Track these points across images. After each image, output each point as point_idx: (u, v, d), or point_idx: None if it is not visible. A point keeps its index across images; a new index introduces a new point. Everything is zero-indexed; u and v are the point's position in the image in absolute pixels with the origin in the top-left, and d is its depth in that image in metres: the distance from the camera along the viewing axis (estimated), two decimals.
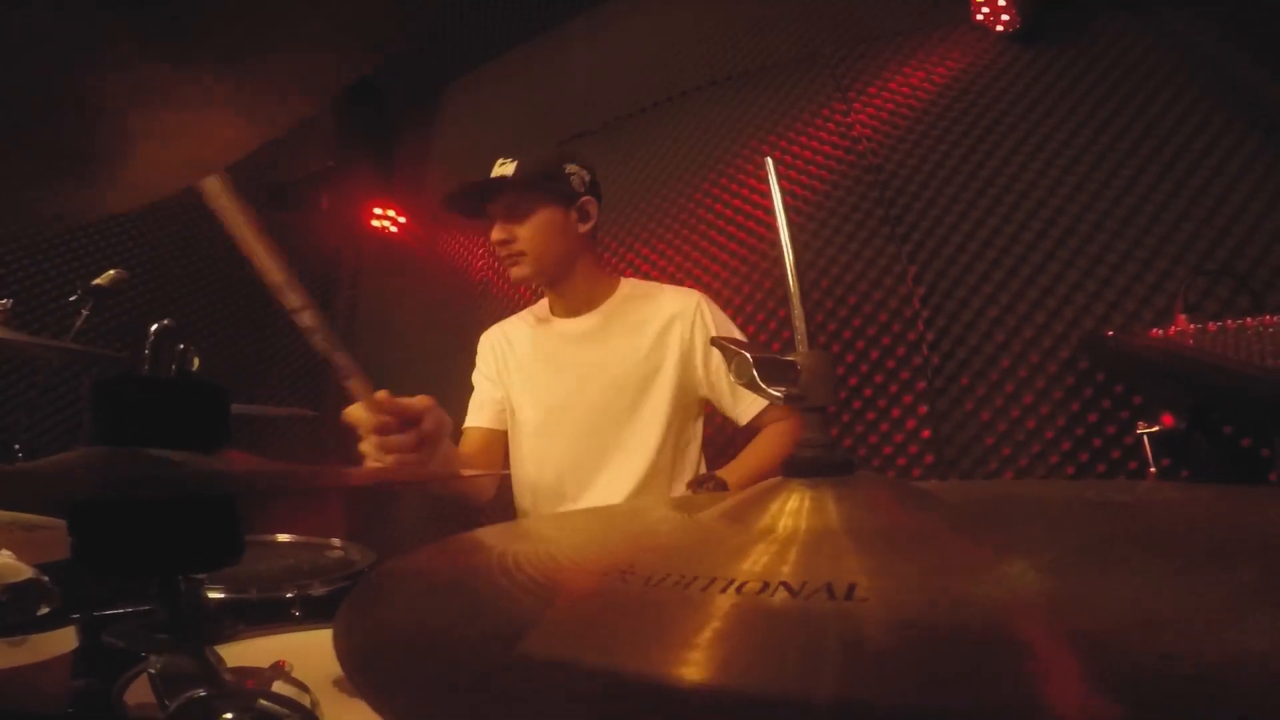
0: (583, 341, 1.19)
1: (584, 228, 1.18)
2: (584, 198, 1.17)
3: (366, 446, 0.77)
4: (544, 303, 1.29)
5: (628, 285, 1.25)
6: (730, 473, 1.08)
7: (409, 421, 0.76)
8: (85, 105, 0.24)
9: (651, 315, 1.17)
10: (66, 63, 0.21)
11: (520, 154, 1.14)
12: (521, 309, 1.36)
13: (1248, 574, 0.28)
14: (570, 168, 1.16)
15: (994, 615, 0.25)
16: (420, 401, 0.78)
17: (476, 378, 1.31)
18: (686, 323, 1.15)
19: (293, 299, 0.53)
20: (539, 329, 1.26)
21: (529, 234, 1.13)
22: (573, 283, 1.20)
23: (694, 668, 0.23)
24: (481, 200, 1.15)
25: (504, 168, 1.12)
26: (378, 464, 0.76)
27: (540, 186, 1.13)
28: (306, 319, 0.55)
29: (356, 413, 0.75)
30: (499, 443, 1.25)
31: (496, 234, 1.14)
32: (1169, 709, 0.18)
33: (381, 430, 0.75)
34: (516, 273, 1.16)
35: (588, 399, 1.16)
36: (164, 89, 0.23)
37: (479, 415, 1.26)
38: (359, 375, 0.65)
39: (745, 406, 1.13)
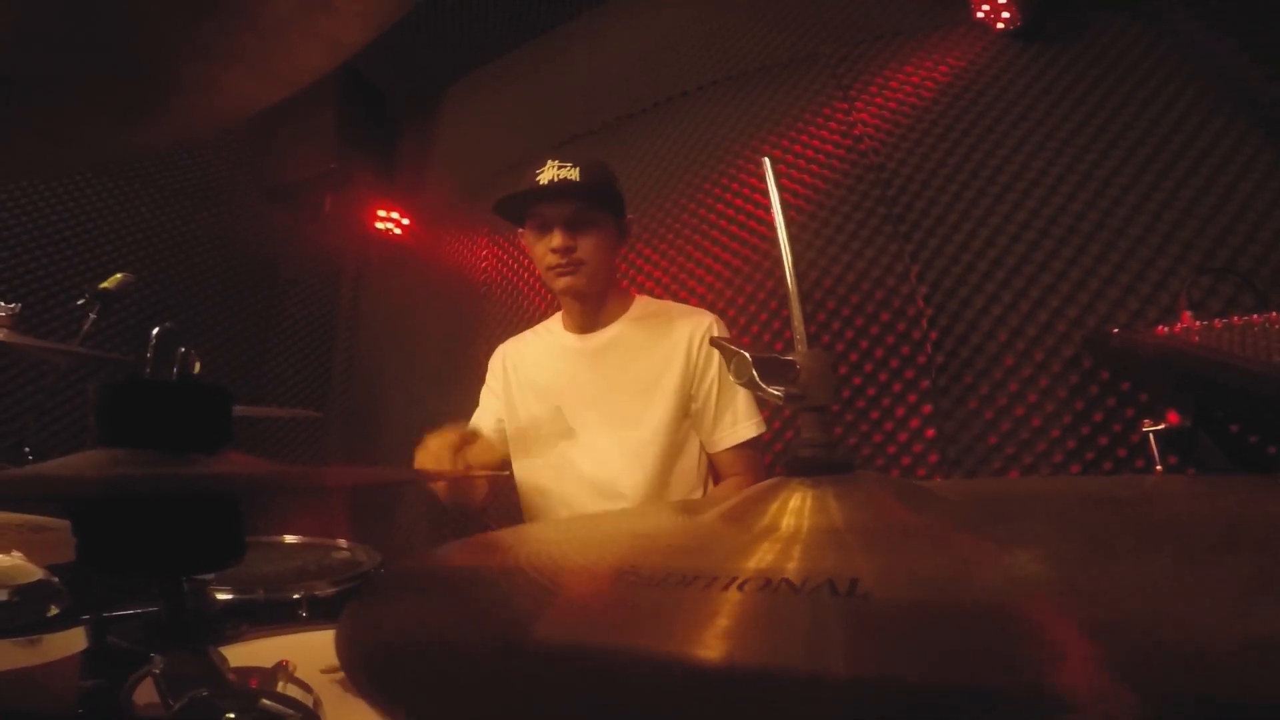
0: (595, 358, 1.19)
1: (622, 245, 1.20)
2: (627, 216, 1.19)
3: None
4: (557, 318, 1.29)
5: (642, 303, 1.24)
6: None
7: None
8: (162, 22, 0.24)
9: (664, 335, 1.17)
10: None
11: (577, 157, 1.10)
12: (522, 310, 1.36)
13: (1253, 564, 0.28)
14: (617, 184, 1.17)
15: (1000, 601, 0.25)
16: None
17: (484, 393, 1.33)
18: (696, 342, 1.15)
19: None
20: (552, 345, 1.26)
21: (592, 245, 1.11)
22: (598, 298, 1.20)
23: (698, 663, 0.24)
24: (536, 202, 1.11)
25: (566, 171, 1.08)
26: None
27: (607, 198, 1.12)
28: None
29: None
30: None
31: (560, 240, 1.09)
32: (1178, 693, 0.18)
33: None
34: (567, 283, 1.13)
35: (605, 406, 1.16)
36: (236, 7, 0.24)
37: (484, 427, 1.28)
38: None
39: (720, 436, 1.14)
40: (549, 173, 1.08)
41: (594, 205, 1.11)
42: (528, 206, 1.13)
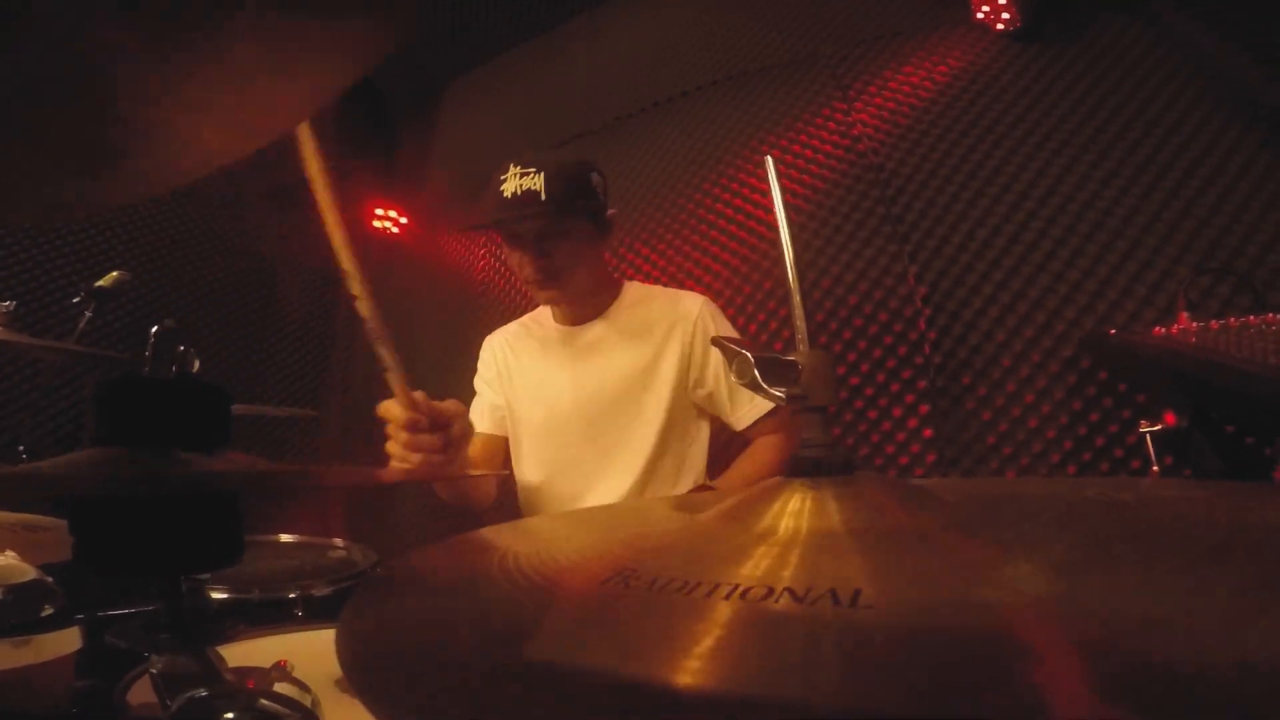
0: (588, 349, 1.19)
1: (607, 240, 1.16)
2: (609, 210, 1.13)
3: (393, 446, 0.78)
4: (545, 309, 1.27)
5: (631, 289, 1.24)
6: (724, 483, 1.09)
7: (439, 425, 0.77)
8: (114, 88, 0.24)
9: (656, 320, 1.16)
10: (79, 54, 0.21)
11: (540, 161, 1.03)
12: (521, 309, 1.35)
13: (1251, 574, 0.28)
14: (594, 178, 1.09)
15: (998, 619, 0.25)
16: (451, 406, 0.80)
17: (478, 383, 1.31)
18: (689, 327, 1.14)
19: (354, 286, 0.63)
20: (542, 335, 1.25)
21: (567, 256, 1.07)
22: (585, 295, 1.17)
23: (696, 674, 0.23)
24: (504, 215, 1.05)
25: (529, 179, 1.01)
26: (402, 463, 0.77)
27: (577, 207, 1.05)
28: (362, 308, 0.63)
29: (391, 409, 0.76)
30: (500, 448, 1.25)
31: (531, 259, 1.06)
32: (1172, 714, 0.18)
33: (412, 428, 0.75)
34: (548, 295, 1.12)
35: (591, 404, 1.16)
36: (191, 65, 0.23)
37: (480, 421, 1.25)
38: (399, 371, 0.68)
39: (743, 413, 1.12)
40: (512, 182, 1.02)
41: (563, 215, 1.04)
42: (496, 218, 1.06)
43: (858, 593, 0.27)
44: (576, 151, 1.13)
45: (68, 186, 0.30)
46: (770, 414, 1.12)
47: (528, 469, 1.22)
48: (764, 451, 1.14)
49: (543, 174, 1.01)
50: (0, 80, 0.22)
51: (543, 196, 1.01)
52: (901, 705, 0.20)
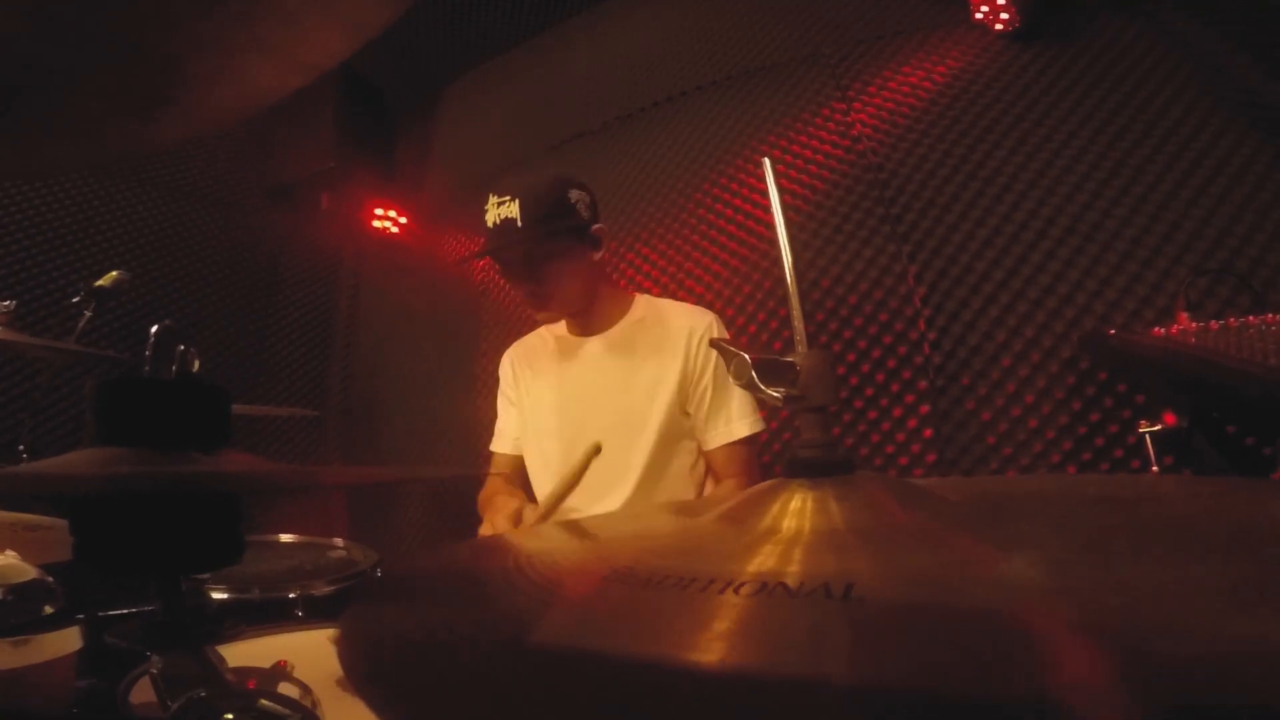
0: (598, 361, 1.20)
1: (598, 255, 1.17)
2: (594, 226, 1.15)
3: (490, 529, 1.04)
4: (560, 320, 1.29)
5: (642, 303, 1.24)
6: None
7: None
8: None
9: (662, 335, 1.17)
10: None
11: (515, 187, 1.06)
12: (519, 308, 1.36)
13: (1249, 567, 0.28)
14: (573, 195, 1.11)
15: (998, 607, 0.26)
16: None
17: (501, 402, 1.34)
18: (693, 342, 1.15)
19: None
20: (552, 347, 1.27)
21: (552, 279, 1.11)
22: (590, 307, 1.20)
23: (712, 654, 0.23)
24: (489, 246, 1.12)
25: (505, 208, 1.05)
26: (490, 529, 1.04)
27: (553, 229, 1.07)
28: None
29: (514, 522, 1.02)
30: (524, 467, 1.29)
31: (521, 283, 1.12)
32: (1170, 699, 0.18)
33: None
34: (545, 316, 1.16)
35: (592, 416, 1.17)
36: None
37: (505, 442, 1.30)
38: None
39: (711, 435, 1.14)
40: (491, 212, 1.07)
41: (542, 238, 1.07)
42: (482, 250, 1.13)
43: (856, 586, 0.27)
44: (554, 170, 1.16)
45: (121, 126, 0.30)
46: (737, 445, 1.13)
47: (535, 479, 1.24)
48: (723, 494, 1.15)
49: (518, 200, 1.05)
50: (56, 24, 0.23)
51: (519, 223, 1.04)
52: (900, 684, 0.20)
